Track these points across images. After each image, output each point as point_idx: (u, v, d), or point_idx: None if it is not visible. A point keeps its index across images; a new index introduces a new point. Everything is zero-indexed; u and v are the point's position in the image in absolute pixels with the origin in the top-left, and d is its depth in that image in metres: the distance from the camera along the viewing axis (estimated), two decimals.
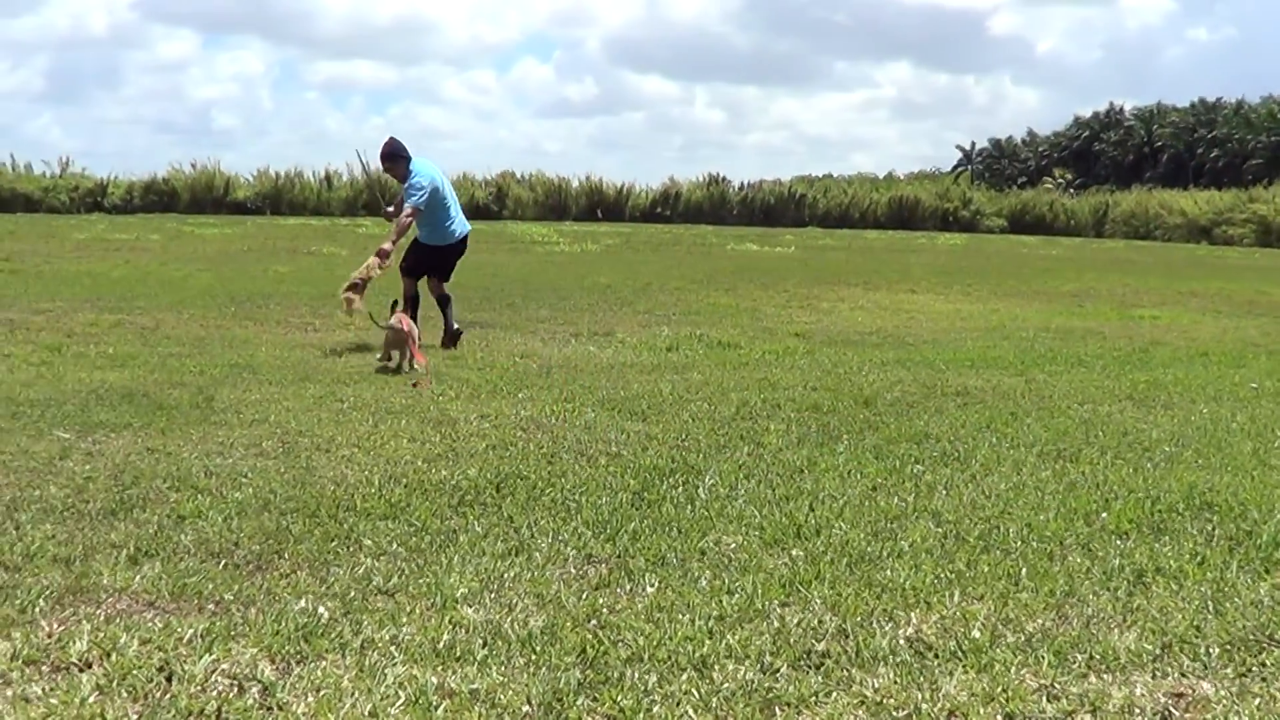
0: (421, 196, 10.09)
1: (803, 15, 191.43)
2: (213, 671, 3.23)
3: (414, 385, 8.10)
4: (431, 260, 10.65)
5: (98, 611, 3.68)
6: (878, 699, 3.19)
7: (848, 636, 3.62)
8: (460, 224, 10.68)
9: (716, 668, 3.36)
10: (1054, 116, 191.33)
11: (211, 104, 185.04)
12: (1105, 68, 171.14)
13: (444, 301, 10.54)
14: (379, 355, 9.11)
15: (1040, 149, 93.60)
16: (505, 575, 4.11)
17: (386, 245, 10.08)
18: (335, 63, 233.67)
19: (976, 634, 3.65)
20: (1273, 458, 6.34)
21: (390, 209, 10.76)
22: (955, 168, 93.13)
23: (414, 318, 9.82)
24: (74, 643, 3.38)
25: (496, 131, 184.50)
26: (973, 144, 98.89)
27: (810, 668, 3.39)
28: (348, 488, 5.23)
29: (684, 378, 8.80)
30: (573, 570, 4.22)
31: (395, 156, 10.26)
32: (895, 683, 3.29)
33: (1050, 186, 68.66)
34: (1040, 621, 3.79)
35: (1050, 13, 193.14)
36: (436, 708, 3.07)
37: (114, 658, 3.29)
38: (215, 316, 11.95)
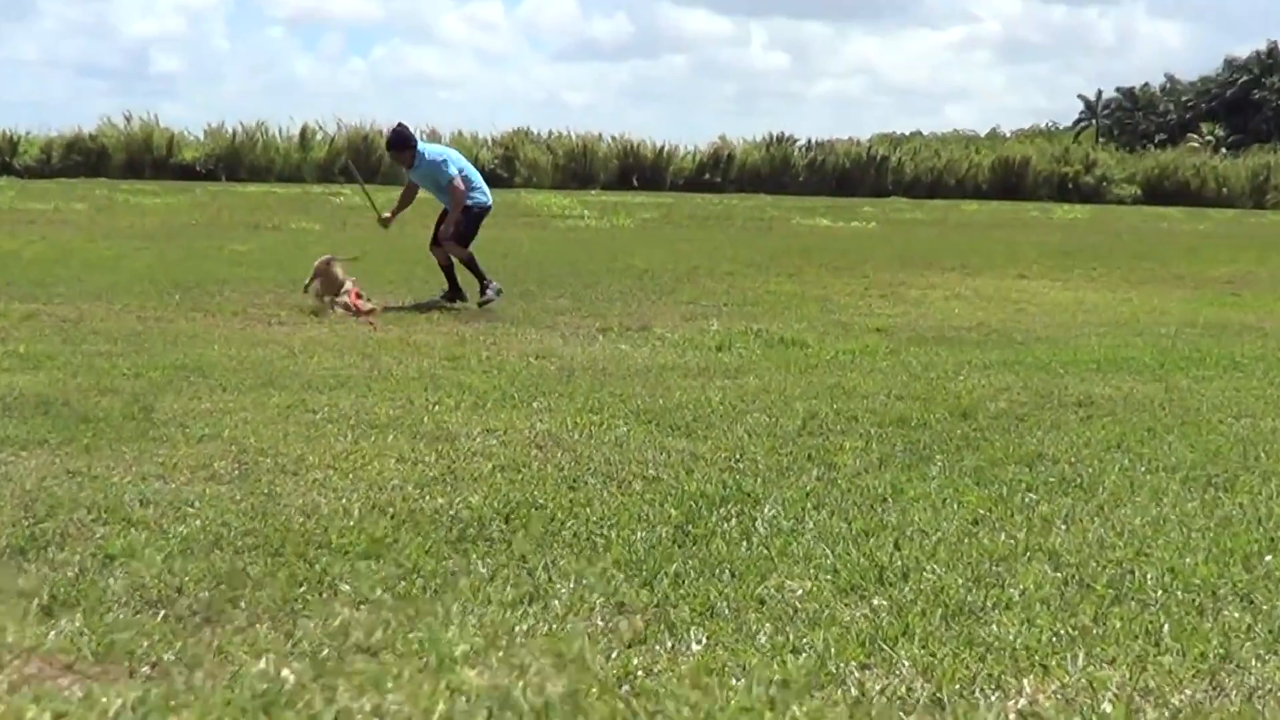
0: (453, 168, 12.95)
1: None
2: None
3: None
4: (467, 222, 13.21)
5: (1, 678, 3.68)
6: None
7: (944, 708, 3.60)
8: (485, 193, 13.55)
9: None
10: (1201, 58, 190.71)
11: (150, 43, 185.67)
12: None
13: (466, 263, 13.11)
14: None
15: (1184, 99, 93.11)
16: (516, 629, 4.11)
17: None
18: None
19: (1107, 707, 3.62)
20: None
21: (387, 215, 13.82)
22: (1076, 123, 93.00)
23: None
24: None
25: (505, 78, 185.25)
26: (1098, 93, 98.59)
27: None
28: (320, 519, 5.24)
29: (738, 383, 8.80)
30: (600, 623, 4.21)
31: (404, 145, 12.96)
32: None
33: (1196, 146, 68.33)
34: (1189, 693, 3.75)
35: None
36: None
37: None
38: (155, 306, 12.04)
